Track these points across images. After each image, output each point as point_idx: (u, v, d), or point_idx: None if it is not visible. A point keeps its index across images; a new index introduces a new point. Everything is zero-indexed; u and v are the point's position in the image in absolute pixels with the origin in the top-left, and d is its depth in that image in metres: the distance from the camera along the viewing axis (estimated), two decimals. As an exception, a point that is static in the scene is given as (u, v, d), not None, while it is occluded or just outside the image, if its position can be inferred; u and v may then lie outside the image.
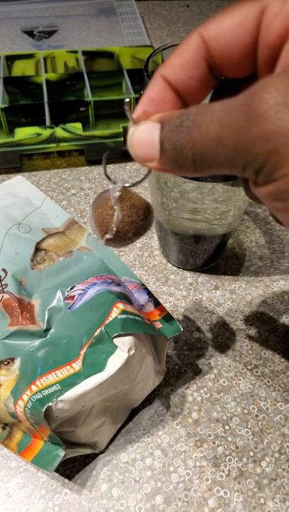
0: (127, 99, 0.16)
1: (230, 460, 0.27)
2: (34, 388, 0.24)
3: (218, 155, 0.14)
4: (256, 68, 0.16)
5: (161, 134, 0.15)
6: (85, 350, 0.25)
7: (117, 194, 0.18)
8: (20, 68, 0.57)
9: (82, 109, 0.50)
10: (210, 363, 0.31)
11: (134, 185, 0.18)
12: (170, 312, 0.34)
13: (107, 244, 0.19)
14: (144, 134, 0.15)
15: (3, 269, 0.29)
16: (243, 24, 0.15)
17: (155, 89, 0.16)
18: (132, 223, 0.18)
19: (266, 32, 0.15)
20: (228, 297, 0.35)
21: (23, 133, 0.44)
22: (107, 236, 0.18)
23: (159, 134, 0.15)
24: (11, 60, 0.57)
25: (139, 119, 0.16)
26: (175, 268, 0.37)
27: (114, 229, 0.18)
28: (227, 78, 0.17)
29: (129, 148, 0.16)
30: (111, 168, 0.47)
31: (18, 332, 0.26)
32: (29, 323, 0.27)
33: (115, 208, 0.18)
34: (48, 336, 0.26)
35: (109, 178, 0.18)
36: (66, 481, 0.26)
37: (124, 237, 0.19)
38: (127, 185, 0.18)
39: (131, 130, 0.16)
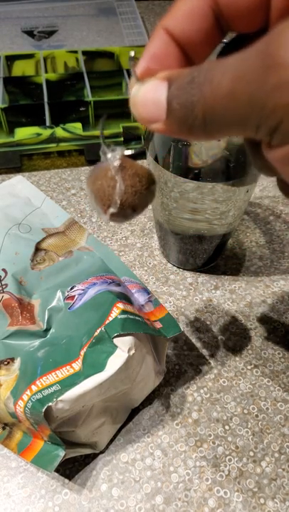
0: (132, 53, 0.15)
1: (230, 460, 0.27)
2: (34, 388, 0.24)
3: (231, 112, 0.12)
4: (268, 21, 0.14)
5: (169, 92, 0.13)
6: (85, 350, 0.25)
7: (118, 163, 0.17)
8: (21, 68, 0.57)
9: (82, 109, 0.50)
10: (210, 363, 0.31)
11: (135, 152, 0.17)
12: (170, 312, 0.34)
13: (111, 220, 0.17)
14: (149, 93, 0.14)
15: (3, 269, 0.29)
16: None
17: (157, 43, 0.15)
18: (135, 194, 0.17)
19: None
20: (228, 297, 0.35)
21: (23, 133, 0.44)
22: (111, 210, 0.17)
23: (166, 92, 0.13)
24: (11, 60, 0.57)
25: (143, 76, 0.14)
26: (175, 268, 0.37)
27: (118, 201, 0.17)
28: (235, 33, 0.15)
29: (132, 108, 0.15)
30: (111, 168, 0.47)
31: (18, 332, 0.26)
32: (29, 323, 0.27)
33: (116, 178, 0.16)
34: (48, 336, 0.26)
35: (106, 145, 0.17)
36: (66, 481, 0.26)
37: (128, 210, 0.17)
38: (127, 152, 0.17)
39: (134, 88, 0.15)
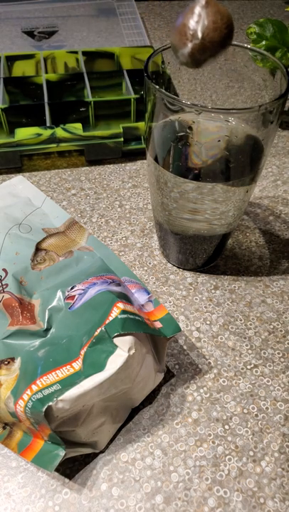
0: None
1: (230, 460, 0.27)
2: (34, 388, 0.24)
3: None
4: None
5: None
6: (85, 349, 0.25)
7: (204, 1, 0.19)
8: (21, 68, 0.57)
9: (82, 109, 0.50)
10: (210, 363, 0.31)
11: None
12: (170, 312, 0.34)
13: (190, 57, 0.19)
14: None
15: (4, 269, 0.29)
16: None
17: None
18: (216, 30, 0.19)
19: None
20: (228, 297, 0.35)
21: (24, 133, 0.44)
22: (195, 41, 0.19)
23: None
24: (11, 60, 0.57)
25: None
26: (175, 268, 0.37)
27: (200, 34, 0.19)
28: None
29: None
30: (111, 168, 0.47)
31: (18, 332, 0.26)
32: (29, 323, 0.27)
33: (201, 13, 0.19)
34: (49, 336, 0.26)
35: None
36: (66, 480, 0.26)
37: (208, 44, 0.19)
38: None
39: None
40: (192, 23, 0.19)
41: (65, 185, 0.45)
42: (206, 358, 0.31)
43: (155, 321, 0.28)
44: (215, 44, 0.19)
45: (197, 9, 0.19)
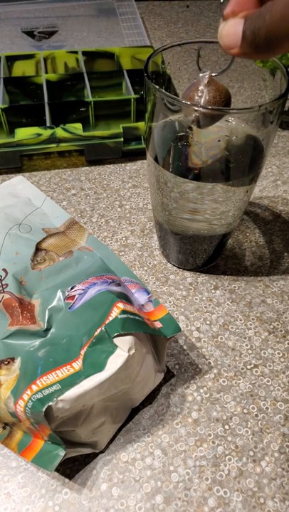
0: (222, 0, 0.22)
1: (230, 460, 0.27)
2: (34, 388, 0.24)
3: (282, 29, 0.18)
4: None
5: (244, 26, 0.19)
6: (85, 349, 0.25)
7: (206, 80, 0.24)
8: (21, 68, 0.57)
9: (82, 109, 0.50)
10: (210, 363, 0.31)
11: (219, 74, 0.24)
12: (170, 312, 0.34)
13: (194, 123, 0.24)
14: (231, 28, 0.20)
15: (4, 269, 0.29)
16: None
17: None
18: (215, 104, 0.24)
19: None
20: (228, 297, 0.35)
21: (24, 133, 0.44)
22: (197, 113, 0.23)
23: (242, 26, 0.19)
24: (11, 60, 0.57)
25: (228, 17, 0.20)
26: (175, 268, 0.37)
27: (202, 107, 0.23)
28: None
29: (219, 39, 0.21)
30: (111, 168, 0.47)
31: (18, 332, 0.26)
32: (29, 323, 0.27)
33: (204, 90, 0.23)
34: (49, 336, 0.26)
35: (200, 69, 0.24)
36: (66, 480, 0.26)
37: (209, 116, 0.23)
38: (213, 74, 0.24)
39: (221, 25, 0.20)
40: (196, 97, 0.23)
41: (65, 185, 0.45)
42: (206, 358, 0.31)
43: (155, 321, 0.28)
44: (214, 115, 0.24)
45: (201, 86, 0.23)
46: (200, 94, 0.24)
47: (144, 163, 0.48)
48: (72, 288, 0.28)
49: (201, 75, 0.24)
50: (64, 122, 0.46)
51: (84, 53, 0.57)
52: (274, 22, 0.18)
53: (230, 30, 0.20)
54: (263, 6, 0.19)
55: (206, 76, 0.24)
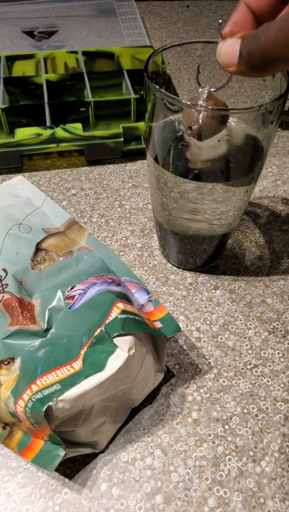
0: (220, 20, 0.23)
1: (230, 459, 0.27)
2: (34, 388, 0.24)
3: (275, 51, 0.19)
4: None
5: (241, 45, 0.20)
6: (85, 349, 0.25)
7: (205, 95, 0.25)
8: (21, 68, 0.57)
9: (82, 109, 0.50)
10: (210, 363, 0.31)
11: (218, 89, 0.25)
12: (170, 312, 0.34)
13: (192, 135, 0.25)
14: (229, 47, 0.21)
15: (4, 269, 0.29)
16: None
17: (239, 13, 0.22)
18: (213, 118, 0.24)
19: None
20: (228, 297, 0.35)
21: (24, 133, 0.44)
22: (195, 126, 0.24)
23: (239, 46, 0.20)
24: (11, 60, 0.57)
25: (226, 36, 0.22)
26: (175, 268, 0.37)
27: (200, 121, 0.24)
28: None
29: (217, 57, 0.22)
30: (111, 168, 0.47)
31: (18, 332, 0.26)
32: (29, 323, 0.27)
33: (203, 105, 0.24)
34: (49, 336, 0.26)
35: (199, 84, 0.25)
36: (66, 480, 0.26)
37: (206, 129, 0.25)
38: (212, 90, 0.25)
39: (220, 44, 0.21)
40: (195, 111, 0.24)
41: (65, 185, 0.45)
42: (206, 358, 0.31)
43: (155, 321, 0.28)
44: (211, 128, 0.25)
45: (200, 101, 0.24)
46: (198, 109, 0.24)
47: (144, 163, 0.48)
48: (72, 288, 0.28)
49: (200, 90, 0.25)
50: (64, 122, 0.46)
51: (84, 53, 0.57)
52: (268, 44, 0.19)
53: (228, 49, 0.21)
54: (259, 27, 0.20)
55: (205, 92, 0.24)
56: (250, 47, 0.20)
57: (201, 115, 0.24)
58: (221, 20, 0.23)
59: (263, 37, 0.19)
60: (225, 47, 0.21)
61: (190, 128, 0.25)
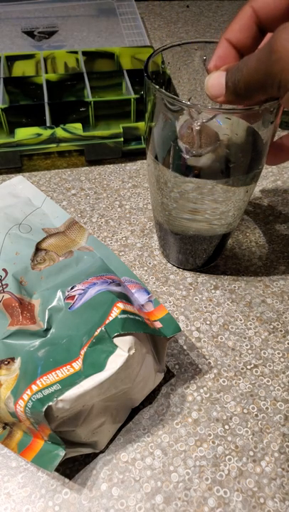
0: (205, 57, 0.26)
1: (230, 460, 0.27)
2: (34, 388, 0.24)
3: (257, 80, 0.20)
4: None
5: (226, 77, 0.22)
6: (85, 349, 0.25)
7: (198, 128, 0.26)
8: (21, 68, 0.57)
9: (82, 109, 0.50)
10: (210, 363, 0.31)
11: (208, 120, 0.26)
12: (170, 312, 0.34)
13: (190, 155, 0.27)
14: (215, 80, 0.22)
15: (4, 269, 0.29)
16: None
17: (222, 48, 0.24)
18: (206, 145, 0.27)
19: None
20: (228, 297, 0.35)
21: (24, 133, 0.44)
22: (188, 154, 0.27)
23: (224, 78, 0.22)
24: (11, 60, 0.57)
25: (211, 70, 0.24)
26: (175, 268, 0.37)
27: (196, 146, 0.27)
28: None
29: (206, 90, 0.23)
30: (111, 168, 0.47)
31: (18, 332, 0.26)
32: (29, 323, 0.27)
33: (196, 136, 0.26)
34: (49, 336, 0.26)
35: (192, 117, 0.26)
36: (66, 480, 0.26)
37: (198, 154, 0.27)
38: (204, 121, 0.26)
39: (207, 78, 0.23)
40: (190, 138, 0.26)
41: (65, 185, 0.45)
42: (206, 358, 0.31)
43: (155, 321, 0.28)
44: (206, 151, 0.27)
45: (194, 130, 0.26)
46: (192, 140, 0.26)
47: (144, 163, 0.48)
48: (72, 288, 0.28)
49: (194, 123, 0.26)
50: (64, 122, 0.46)
51: (84, 53, 0.57)
52: (250, 74, 0.20)
53: (215, 81, 0.23)
54: (241, 60, 0.21)
55: (199, 123, 0.26)
56: (234, 78, 0.21)
57: (195, 141, 0.26)
58: (205, 57, 0.25)
59: (245, 69, 0.21)
60: (211, 80, 0.23)
61: (187, 150, 0.27)
